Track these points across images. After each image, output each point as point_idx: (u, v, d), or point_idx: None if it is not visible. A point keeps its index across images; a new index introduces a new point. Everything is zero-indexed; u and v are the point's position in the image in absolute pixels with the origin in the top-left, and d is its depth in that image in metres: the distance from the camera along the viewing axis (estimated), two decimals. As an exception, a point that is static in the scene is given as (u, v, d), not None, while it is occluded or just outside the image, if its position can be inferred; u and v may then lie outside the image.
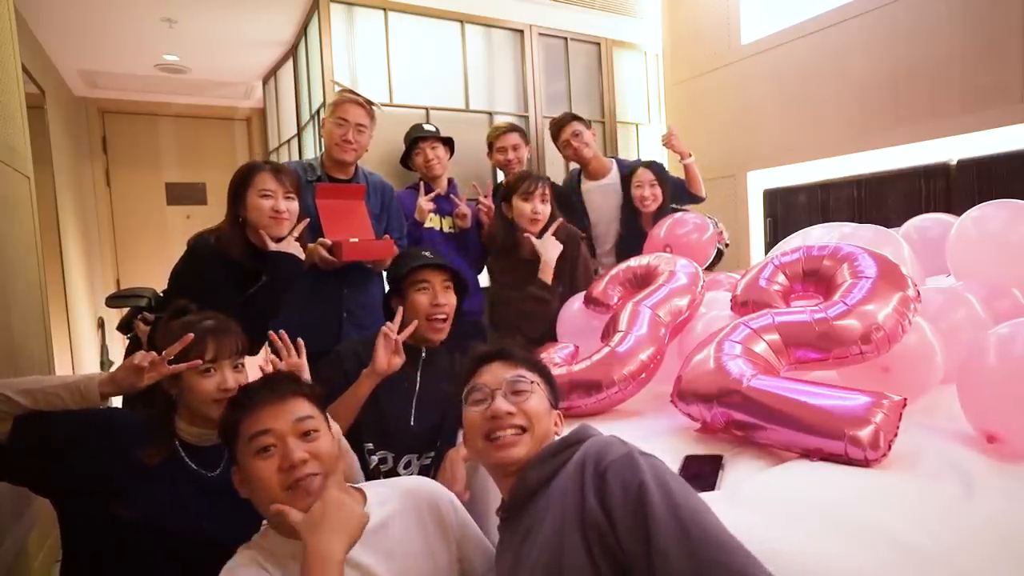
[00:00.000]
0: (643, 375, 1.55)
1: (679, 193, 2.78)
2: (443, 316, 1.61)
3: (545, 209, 2.12)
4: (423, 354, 1.63)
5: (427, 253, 1.70)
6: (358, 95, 2.20)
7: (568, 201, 2.86)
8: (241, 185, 1.65)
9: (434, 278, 1.63)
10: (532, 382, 1.00)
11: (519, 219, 2.12)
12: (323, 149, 2.26)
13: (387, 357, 1.48)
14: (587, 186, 2.87)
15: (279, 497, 0.90)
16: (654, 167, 2.66)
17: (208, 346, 1.22)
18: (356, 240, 2.01)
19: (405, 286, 1.63)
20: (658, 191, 2.60)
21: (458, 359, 1.65)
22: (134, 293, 1.88)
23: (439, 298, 1.60)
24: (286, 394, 0.97)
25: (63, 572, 1.20)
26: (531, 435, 0.96)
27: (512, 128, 2.85)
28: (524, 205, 2.11)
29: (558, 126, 2.84)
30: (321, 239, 1.98)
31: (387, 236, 2.18)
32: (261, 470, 0.91)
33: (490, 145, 2.85)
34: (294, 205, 1.68)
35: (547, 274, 2.06)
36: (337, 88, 2.31)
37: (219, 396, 1.21)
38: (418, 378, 1.61)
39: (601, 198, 2.84)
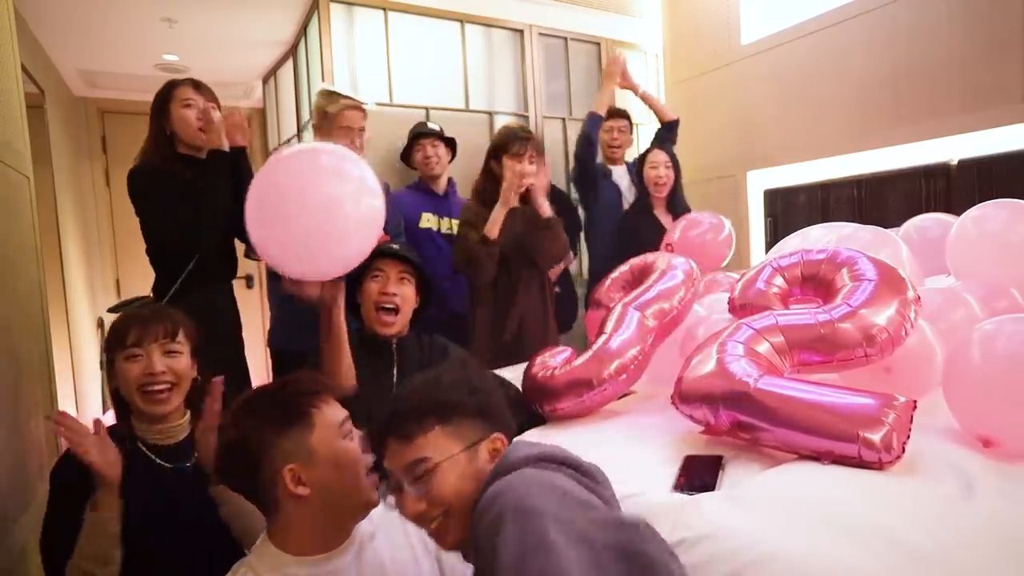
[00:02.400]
0: (624, 376, 1.52)
1: (661, 137, 2.97)
2: (391, 306, 1.56)
3: (532, 169, 2.25)
4: (394, 345, 1.59)
5: (395, 247, 1.65)
6: (354, 99, 2.17)
7: (568, 204, 2.92)
8: (164, 99, 1.80)
9: (390, 268, 1.58)
10: (428, 459, 0.83)
11: (510, 175, 2.20)
12: None
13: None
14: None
15: (363, 478, 0.93)
16: (667, 149, 2.75)
17: (130, 333, 1.18)
18: None
19: (362, 274, 1.58)
20: (671, 173, 2.68)
21: (426, 341, 1.64)
22: (136, 300, 1.91)
23: (389, 287, 1.56)
24: None
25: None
26: (455, 513, 0.83)
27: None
28: (515, 164, 2.22)
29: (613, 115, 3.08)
30: None
31: None
32: (352, 452, 0.93)
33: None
34: (217, 114, 1.82)
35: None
36: (323, 88, 2.21)
37: (144, 381, 1.16)
38: (395, 373, 1.57)
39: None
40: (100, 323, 4.04)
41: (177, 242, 1.81)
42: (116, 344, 1.19)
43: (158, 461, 1.19)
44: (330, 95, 2.13)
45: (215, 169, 1.80)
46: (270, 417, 0.91)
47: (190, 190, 1.79)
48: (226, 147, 1.82)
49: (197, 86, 1.84)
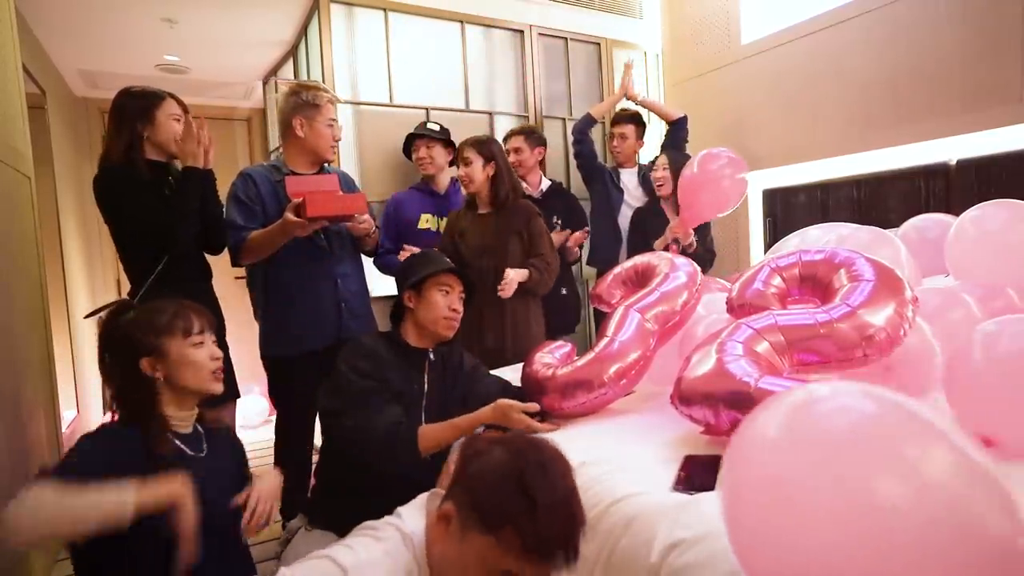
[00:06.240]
0: (624, 380, 1.53)
1: (672, 137, 3.10)
2: (456, 322, 1.62)
3: (470, 171, 2.28)
4: (430, 356, 1.63)
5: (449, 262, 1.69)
6: (330, 91, 2.17)
7: (575, 204, 2.94)
8: (149, 106, 1.88)
9: (455, 285, 1.63)
10: None
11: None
12: (288, 149, 2.16)
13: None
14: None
15: None
16: (670, 154, 2.87)
17: (194, 320, 1.25)
18: (316, 191, 1.92)
19: (426, 283, 1.60)
20: (668, 175, 2.75)
21: (446, 350, 1.68)
22: (112, 305, 1.93)
23: (456, 305, 1.62)
24: None
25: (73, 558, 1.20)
26: None
27: (519, 131, 2.92)
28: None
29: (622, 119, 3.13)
30: (289, 204, 1.90)
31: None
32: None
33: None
34: (202, 133, 1.91)
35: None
36: (293, 83, 2.17)
37: (213, 366, 1.25)
38: (426, 381, 1.61)
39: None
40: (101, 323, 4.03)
41: (147, 242, 1.87)
42: (179, 332, 1.22)
43: (185, 449, 1.21)
44: (309, 88, 2.10)
45: (190, 181, 1.90)
46: (489, 508, 0.84)
47: (156, 192, 1.87)
48: (201, 166, 1.92)
49: (178, 102, 1.96)
